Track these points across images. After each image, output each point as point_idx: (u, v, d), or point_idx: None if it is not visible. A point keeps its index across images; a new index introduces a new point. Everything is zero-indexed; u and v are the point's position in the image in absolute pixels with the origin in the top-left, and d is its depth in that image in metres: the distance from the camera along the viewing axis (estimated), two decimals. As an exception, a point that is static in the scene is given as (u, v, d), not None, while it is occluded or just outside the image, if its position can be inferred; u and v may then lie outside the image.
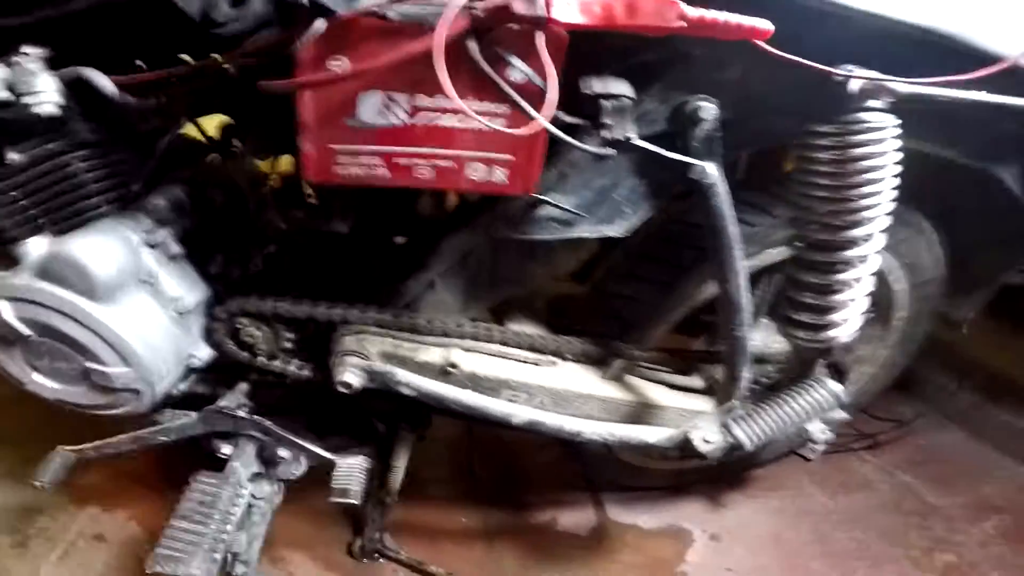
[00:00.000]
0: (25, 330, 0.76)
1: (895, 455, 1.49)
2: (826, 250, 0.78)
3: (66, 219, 0.79)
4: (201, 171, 0.90)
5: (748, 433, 0.87)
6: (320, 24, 0.60)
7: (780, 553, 1.25)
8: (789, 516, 1.33)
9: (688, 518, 1.31)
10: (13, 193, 0.77)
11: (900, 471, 1.45)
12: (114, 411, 0.85)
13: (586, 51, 0.66)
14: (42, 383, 0.82)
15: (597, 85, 0.70)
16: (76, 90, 0.72)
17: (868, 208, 0.74)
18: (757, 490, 1.39)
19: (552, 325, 1.04)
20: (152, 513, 1.25)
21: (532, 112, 0.61)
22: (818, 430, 0.94)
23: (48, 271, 0.74)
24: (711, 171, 0.74)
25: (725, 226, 0.75)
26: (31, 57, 0.69)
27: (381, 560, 1.17)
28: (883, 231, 0.78)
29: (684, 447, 0.90)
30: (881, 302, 1.13)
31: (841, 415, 0.95)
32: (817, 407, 0.88)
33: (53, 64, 0.71)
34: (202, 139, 0.98)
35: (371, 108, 0.67)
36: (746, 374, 0.85)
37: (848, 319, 0.83)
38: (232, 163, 0.97)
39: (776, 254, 0.95)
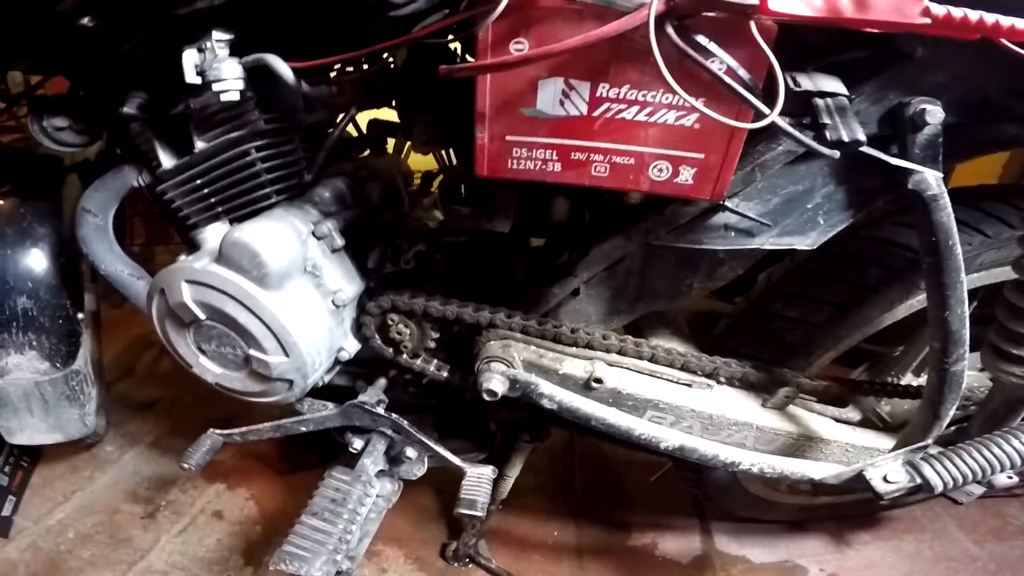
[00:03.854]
0: (200, 313, 0.78)
1: (1066, 505, 1.30)
2: (1069, 276, 0.67)
3: (241, 207, 0.81)
4: (360, 165, 0.90)
5: (941, 475, 0.76)
6: (502, 3, 0.55)
7: (907, 599, 1.12)
8: (924, 560, 1.18)
9: (805, 555, 1.21)
10: (198, 181, 0.79)
11: (1069, 522, 1.26)
12: (266, 399, 0.86)
13: (781, 45, 0.59)
14: (207, 366, 0.84)
15: (806, 82, 0.63)
16: (254, 77, 0.71)
17: None
18: (889, 531, 1.25)
19: (696, 344, 0.96)
20: (269, 495, 1.30)
21: (762, 107, 0.55)
22: (1003, 475, 0.81)
23: (225, 257, 0.75)
24: (934, 180, 0.64)
25: (950, 244, 0.65)
26: (221, 43, 0.68)
27: (471, 566, 1.15)
28: None
29: (857, 485, 0.80)
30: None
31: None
32: (1030, 455, 0.75)
33: (232, 50, 0.70)
34: (356, 134, 0.99)
35: (550, 97, 0.62)
36: (951, 413, 0.74)
37: (1083, 358, 0.71)
38: (387, 158, 0.98)
39: (977, 279, 0.84)
